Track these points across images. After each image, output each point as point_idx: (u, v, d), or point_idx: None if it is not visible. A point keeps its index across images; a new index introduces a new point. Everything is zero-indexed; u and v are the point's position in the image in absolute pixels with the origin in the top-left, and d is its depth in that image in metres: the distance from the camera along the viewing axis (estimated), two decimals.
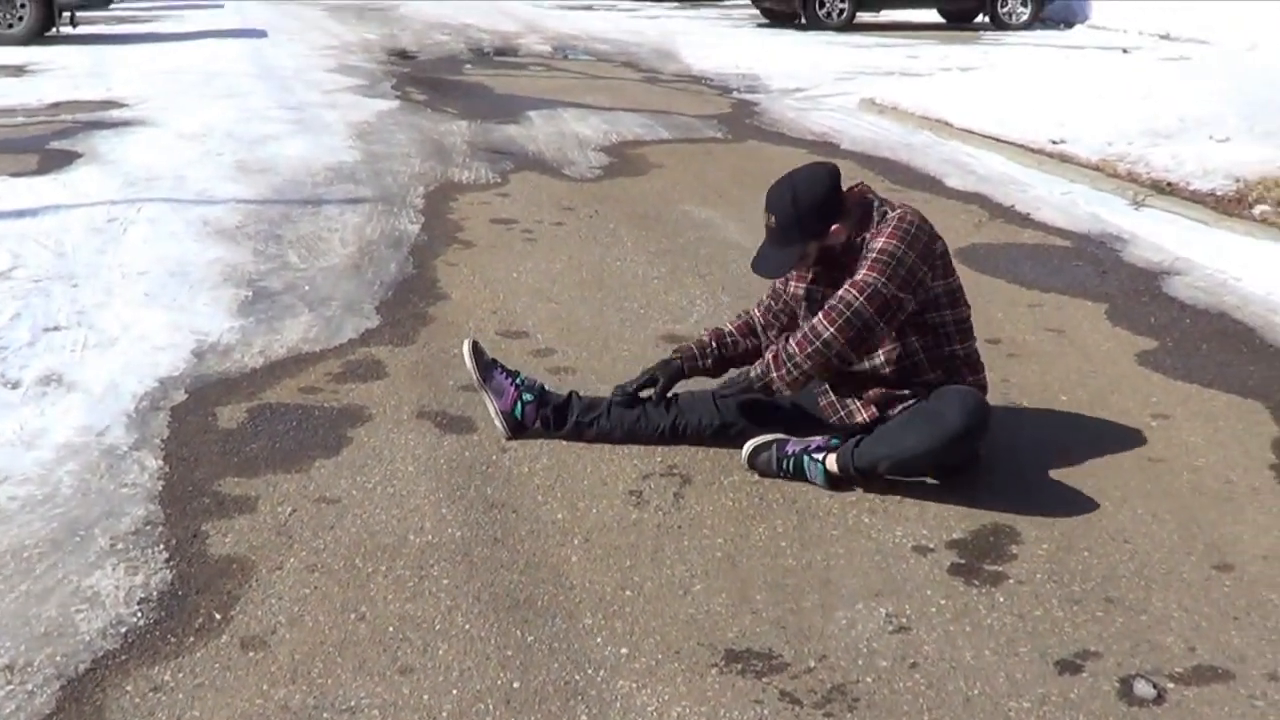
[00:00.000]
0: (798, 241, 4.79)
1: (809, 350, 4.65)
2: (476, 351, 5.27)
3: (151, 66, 17.01)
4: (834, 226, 4.76)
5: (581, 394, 5.29)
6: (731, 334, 5.27)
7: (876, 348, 4.77)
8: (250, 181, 9.88)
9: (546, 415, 5.18)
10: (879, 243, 4.65)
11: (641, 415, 5.16)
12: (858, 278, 4.63)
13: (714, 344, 5.25)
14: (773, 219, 4.82)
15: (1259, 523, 4.53)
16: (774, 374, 4.74)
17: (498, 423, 5.18)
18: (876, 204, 4.83)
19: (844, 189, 4.83)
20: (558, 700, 3.49)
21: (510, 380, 5.23)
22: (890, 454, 4.66)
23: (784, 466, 4.84)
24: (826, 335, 4.61)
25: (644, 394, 5.20)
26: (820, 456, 4.79)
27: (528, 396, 5.20)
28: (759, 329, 5.24)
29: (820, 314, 4.67)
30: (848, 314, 4.59)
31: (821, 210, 4.75)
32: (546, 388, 5.27)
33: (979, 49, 20.83)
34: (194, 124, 12.47)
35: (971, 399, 4.70)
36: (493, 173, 10.45)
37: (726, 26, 25.52)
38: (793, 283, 5.03)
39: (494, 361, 5.30)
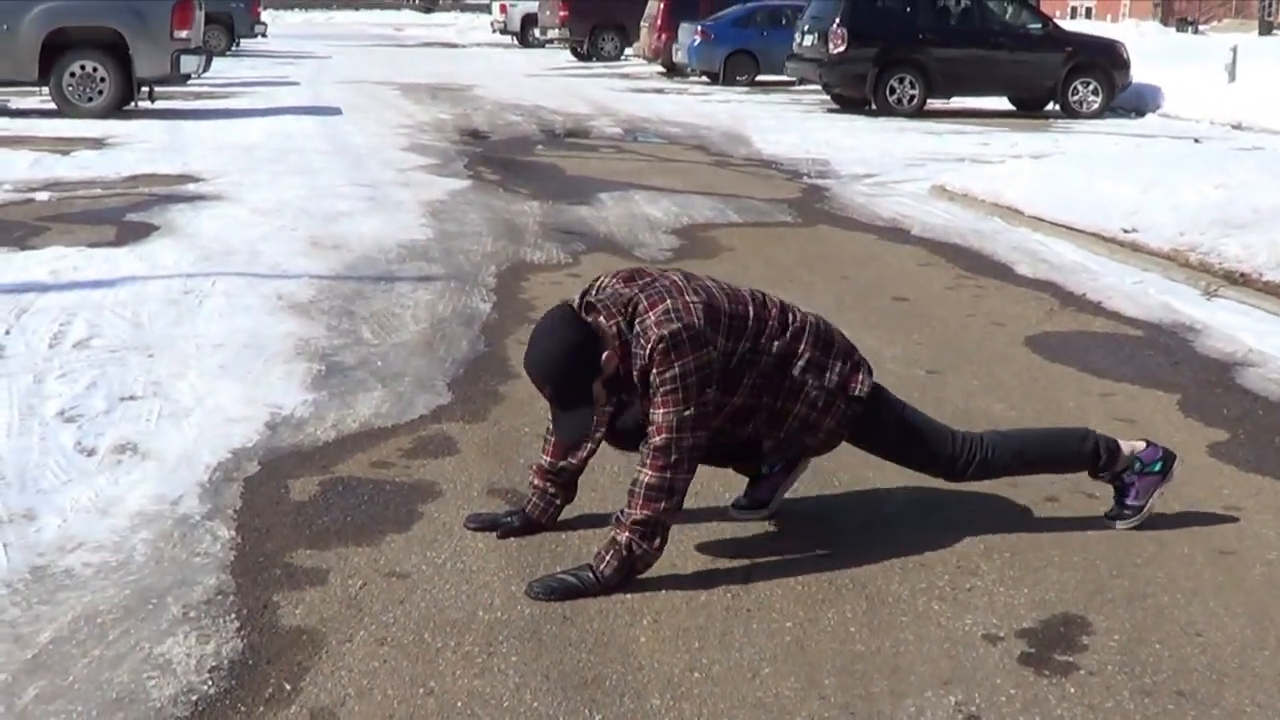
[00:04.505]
0: (583, 397, 4.57)
1: (659, 505, 4.46)
2: (749, 507, 5.27)
3: (227, 141, 17.27)
4: (603, 356, 4.51)
5: None
6: (553, 463, 4.97)
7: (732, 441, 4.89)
8: (323, 257, 9.99)
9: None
10: (655, 375, 4.43)
11: None
12: (655, 418, 4.44)
13: (550, 485, 5.00)
14: (548, 389, 4.61)
15: None
16: (644, 547, 4.49)
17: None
18: (623, 311, 4.54)
19: (581, 316, 4.59)
20: None
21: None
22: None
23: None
24: (665, 481, 4.44)
25: (501, 524, 5.03)
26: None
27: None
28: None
29: (645, 464, 4.47)
30: (671, 455, 4.42)
31: (582, 356, 4.51)
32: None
33: (1050, 136, 20.83)
34: (268, 199, 12.65)
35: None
36: (564, 253, 10.52)
37: (797, 112, 25.60)
38: None
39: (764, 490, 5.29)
